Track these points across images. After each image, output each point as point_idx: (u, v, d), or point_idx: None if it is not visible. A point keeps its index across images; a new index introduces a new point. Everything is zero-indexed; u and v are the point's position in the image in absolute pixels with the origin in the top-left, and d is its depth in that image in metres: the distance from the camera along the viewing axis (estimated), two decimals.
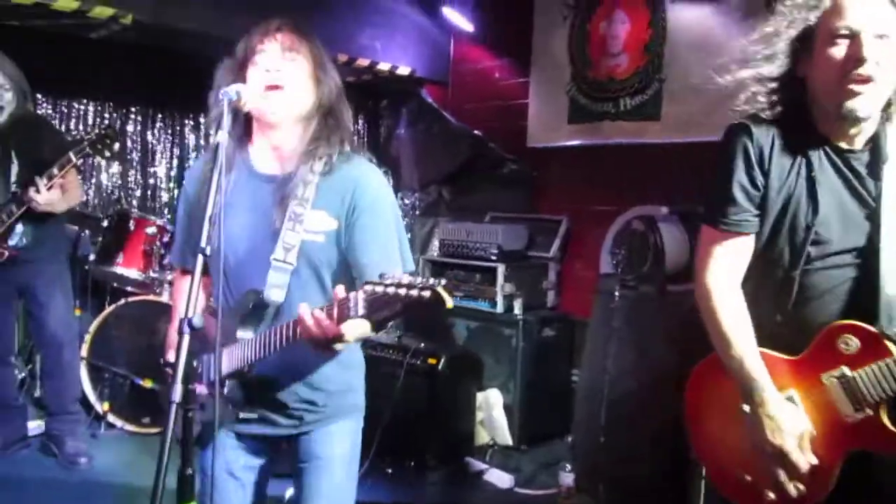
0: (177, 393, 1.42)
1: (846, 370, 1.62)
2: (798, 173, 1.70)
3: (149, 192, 5.30)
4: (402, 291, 1.30)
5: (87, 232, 4.46)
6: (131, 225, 4.24)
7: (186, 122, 5.40)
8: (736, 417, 1.72)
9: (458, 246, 4.35)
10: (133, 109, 5.18)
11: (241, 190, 1.80)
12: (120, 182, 5.18)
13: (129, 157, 5.14)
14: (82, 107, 5.00)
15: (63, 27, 3.98)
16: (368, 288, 1.36)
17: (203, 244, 1.50)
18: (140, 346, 4.17)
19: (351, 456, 1.91)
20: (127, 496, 3.39)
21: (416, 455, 3.72)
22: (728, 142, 1.76)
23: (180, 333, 1.45)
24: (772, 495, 1.67)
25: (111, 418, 4.04)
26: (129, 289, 4.36)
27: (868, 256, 1.67)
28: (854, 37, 1.59)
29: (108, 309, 4.12)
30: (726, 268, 1.78)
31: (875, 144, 1.69)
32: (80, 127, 4.98)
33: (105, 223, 4.33)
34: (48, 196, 3.28)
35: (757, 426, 1.65)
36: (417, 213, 5.40)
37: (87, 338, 4.04)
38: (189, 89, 4.98)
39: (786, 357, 1.71)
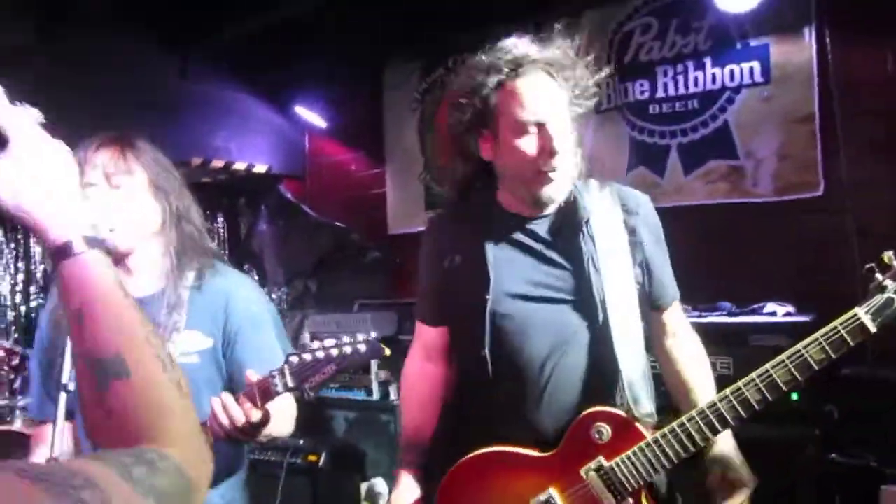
0: None
1: (603, 461, 1.56)
2: (477, 251, 1.70)
3: None
4: (334, 352, 1.33)
5: None
6: None
7: (31, 234, 5.17)
8: None
9: (329, 337, 4.35)
10: None
11: None
12: None
13: None
14: None
15: None
16: (293, 360, 1.37)
17: (65, 380, 1.40)
18: None
19: None
20: None
21: None
22: (422, 243, 1.87)
23: None
24: None
25: None
26: None
27: (592, 327, 1.64)
28: (541, 128, 1.59)
29: None
30: (421, 348, 1.88)
31: (568, 209, 1.70)
32: None
33: None
34: None
35: None
36: (285, 307, 5.38)
37: None
38: None
39: (539, 454, 1.63)
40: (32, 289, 5.14)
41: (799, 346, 1.47)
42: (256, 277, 5.51)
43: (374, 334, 1.35)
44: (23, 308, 5.10)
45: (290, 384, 1.39)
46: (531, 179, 1.64)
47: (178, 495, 0.69)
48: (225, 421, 1.45)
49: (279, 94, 5.00)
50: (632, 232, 1.69)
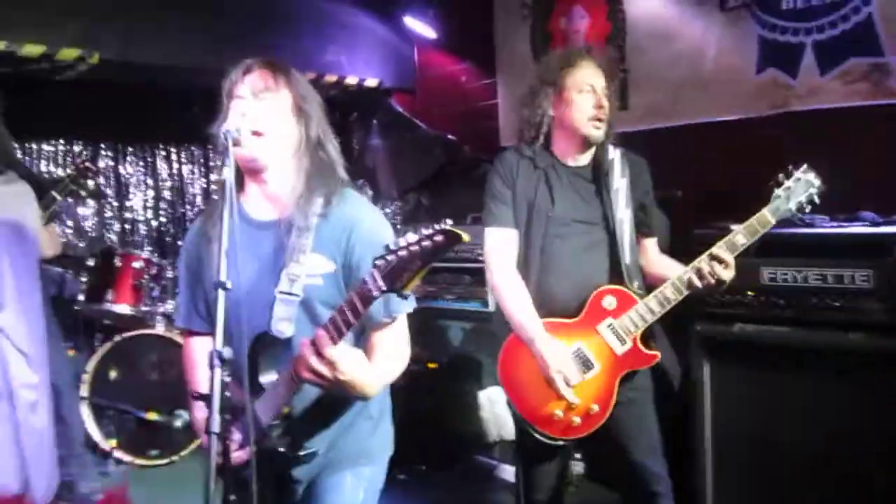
0: (215, 423, 1.43)
1: (612, 320, 2.39)
2: (539, 182, 2.48)
3: (127, 227, 5.31)
4: (416, 248, 1.34)
5: (70, 272, 4.46)
6: (117, 261, 4.26)
7: (158, 152, 5.41)
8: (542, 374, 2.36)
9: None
10: (103, 145, 5.19)
11: (238, 238, 1.77)
12: (97, 219, 5.18)
13: (103, 192, 5.15)
14: (51, 147, 5.00)
15: (30, 72, 3.96)
16: (380, 262, 1.40)
17: (223, 278, 1.50)
18: (138, 380, 4.20)
19: None
20: None
21: (427, 458, 3.80)
22: (489, 170, 2.57)
23: (211, 367, 1.46)
24: (578, 419, 2.36)
25: (119, 454, 4.06)
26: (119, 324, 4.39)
27: (610, 239, 2.48)
28: (594, 89, 2.44)
29: (105, 346, 4.14)
30: (501, 254, 2.48)
31: (597, 163, 2.54)
32: (51, 167, 4.97)
33: (90, 262, 4.33)
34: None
35: (540, 366, 2.34)
36: (399, 221, 5.47)
37: (86, 377, 4.05)
38: (158, 120, 5.10)
39: (567, 321, 2.42)
40: (162, 205, 5.43)
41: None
42: (370, 192, 5.60)
43: (449, 222, 1.35)
44: (153, 223, 5.40)
45: (383, 287, 1.41)
46: (584, 125, 2.45)
47: None
48: (306, 352, 1.57)
49: (388, 4, 4.94)
50: (633, 184, 2.54)
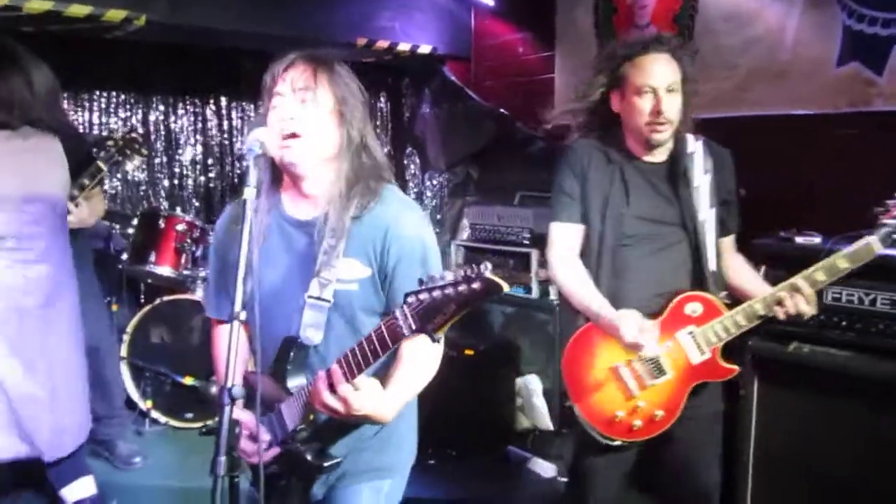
0: (221, 466, 1.36)
1: (694, 328, 2.25)
2: (613, 178, 2.33)
3: (176, 181, 5.30)
4: (450, 291, 1.25)
5: (117, 227, 4.48)
6: (161, 223, 4.24)
7: (208, 107, 5.35)
8: (608, 373, 2.28)
9: (489, 231, 4.30)
10: (154, 98, 5.15)
11: (273, 235, 1.75)
12: (146, 172, 5.17)
13: (153, 146, 5.13)
14: (103, 99, 4.98)
15: (78, 31, 3.92)
16: (412, 300, 1.30)
17: (237, 309, 1.43)
18: (177, 344, 4.22)
19: None
20: (181, 494, 3.48)
21: (458, 445, 3.74)
22: (557, 161, 2.43)
23: (221, 405, 1.39)
24: (640, 423, 2.27)
25: (155, 415, 4.11)
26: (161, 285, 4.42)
27: (690, 242, 2.33)
28: (654, 92, 2.22)
29: (145, 309, 4.16)
30: (565, 249, 2.36)
31: (675, 159, 2.35)
32: (102, 119, 4.97)
33: (135, 221, 4.33)
34: (80, 213, 3.03)
35: (616, 337, 2.18)
36: (445, 193, 5.35)
37: (126, 337, 4.09)
38: (209, 74, 5.03)
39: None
40: (210, 160, 5.39)
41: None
42: (419, 161, 5.48)
43: (489, 266, 1.24)
44: (201, 178, 5.38)
45: (414, 326, 1.32)
46: (643, 129, 2.27)
47: None
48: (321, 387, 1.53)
49: None
50: (717, 179, 2.36)
